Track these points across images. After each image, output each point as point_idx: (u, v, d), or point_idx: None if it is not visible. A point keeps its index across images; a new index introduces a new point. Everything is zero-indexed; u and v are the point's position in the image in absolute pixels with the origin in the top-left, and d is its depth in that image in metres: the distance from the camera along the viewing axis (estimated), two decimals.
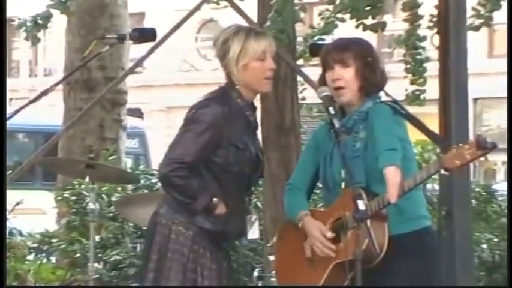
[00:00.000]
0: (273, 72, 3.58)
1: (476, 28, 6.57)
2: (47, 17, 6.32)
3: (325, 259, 3.46)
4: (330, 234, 3.44)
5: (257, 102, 3.73)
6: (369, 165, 3.43)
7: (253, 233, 3.57)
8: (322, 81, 3.58)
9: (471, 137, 5.47)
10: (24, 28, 6.40)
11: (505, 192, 8.55)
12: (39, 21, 6.24)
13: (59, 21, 7.71)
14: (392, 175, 3.31)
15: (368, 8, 6.02)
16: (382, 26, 6.27)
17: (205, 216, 3.51)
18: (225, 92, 3.58)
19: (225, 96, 3.56)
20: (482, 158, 3.30)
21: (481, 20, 6.59)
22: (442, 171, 3.29)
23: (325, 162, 3.55)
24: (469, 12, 6.10)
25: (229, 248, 3.69)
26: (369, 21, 6.23)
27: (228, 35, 3.57)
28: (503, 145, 3.69)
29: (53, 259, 7.52)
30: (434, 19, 6.00)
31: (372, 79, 3.53)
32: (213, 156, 3.51)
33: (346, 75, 3.51)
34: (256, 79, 3.55)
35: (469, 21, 5.94)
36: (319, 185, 3.73)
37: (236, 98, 3.56)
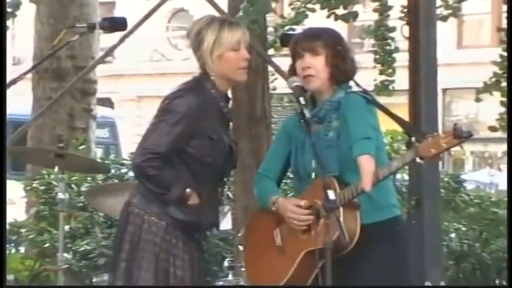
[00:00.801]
0: (248, 62, 3.58)
1: (444, 18, 6.61)
2: (16, 5, 6.27)
3: (295, 247, 3.47)
4: (304, 203, 3.43)
5: (228, 92, 3.73)
6: (342, 155, 3.45)
7: (226, 223, 3.58)
8: (293, 71, 3.59)
9: (439, 126, 5.51)
10: None
11: (473, 183, 8.62)
12: (9, 9, 6.18)
13: (28, 10, 7.65)
14: (367, 164, 3.33)
15: None
16: (354, 16, 6.30)
17: (178, 206, 3.51)
18: (199, 82, 3.58)
19: (199, 87, 3.56)
20: (456, 148, 3.32)
21: (449, 11, 6.64)
22: (418, 160, 3.31)
23: (297, 151, 3.56)
24: (438, 3, 6.13)
25: (202, 238, 3.69)
26: (340, 11, 6.25)
27: (201, 25, 3.57)
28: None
29: (22, 249, 7.48)
30: (405, 10, 6.03)
31: (342, 67, 3.54)
32: (186, 147, 3.51)
33: (316, 64, 3.53)
34: (231, 69, 3.56)
35: (437, 11, 5.97)
36: (289, 175, 3.75)
37: (210, 88, 3.56)
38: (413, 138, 3.38)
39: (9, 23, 6.45)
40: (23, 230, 7.05)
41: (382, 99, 5.69)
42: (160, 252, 3.50)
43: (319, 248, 3.36)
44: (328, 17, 6.23)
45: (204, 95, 3.55)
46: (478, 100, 6.78)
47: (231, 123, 3.70)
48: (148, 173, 3.50)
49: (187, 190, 3.51)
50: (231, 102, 3.71)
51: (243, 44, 3.56)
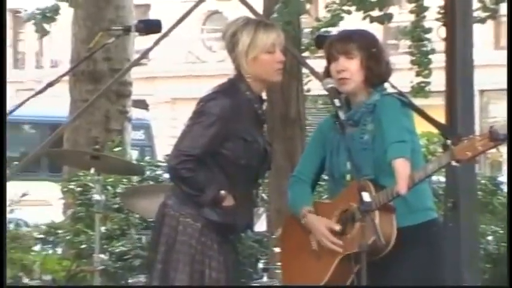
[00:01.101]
0: (283, 64, 3.57)
1: (483, 21, 6.55)
2: (55, 10, 6.34)
3: (331, 252, 3.46)
4: (338, 227, 3.43)
5: (263, 93, 3.73)
6: (377, 158, 3.43)
7: (261, 225, 3.58)
8: (327, 73, 3.58)
9: (476, 128, 5.46)
10: (33, 21, 6.41)
11: None
12: (48, 14, 6.25)
13: (66, 13, 7.72)
14: (402, 167, 3.30)
15: (375, 0, 6.02)
16: (389, 17, 6.27)
17: (213, 208, 3.51)
18: (234, 84, 3.58)
19: (234, 89, 3.56)
20: (492, 150, 3.29)
21: (487, 13, 6.57)
22: (453, 163, 3.28)
23: (332, 154, 3.55)
24: (475, 5, 6.09)
25: (236, 240, 3.69)
26: (375, 13, 6.22)
27: (237, 27, 3.56)
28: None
29: (59, 250, 7.54)
30: (442, 11, 5.99)
31: (376, 70, 3.52)
32: (220, 148, 3.52)
33: (350, 67, 3.51)
34: (265, 71, 3.56)
35: (474, 14, 5.92)
36: (324, 177, 3.73)
37: (245, 90, 3.56)
38: (448, 141, 3.34)
39: (47, 26, 6.53)
40: (60, 231, 7.10)
41: (418, 101, 5.65)
42: (196, 254, 3.50)
43: (354, 252, 3.34)
44: (364, 19, 6.21)
45: (239, 96, 3.55)
46: None
47: (265, 125, 3.69)
48: (182, 175, 3.51)
49: (222, 192, 3.51)
50: (265, 104, 3.71)
51: (278, 46, 3.56)
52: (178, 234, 3.52)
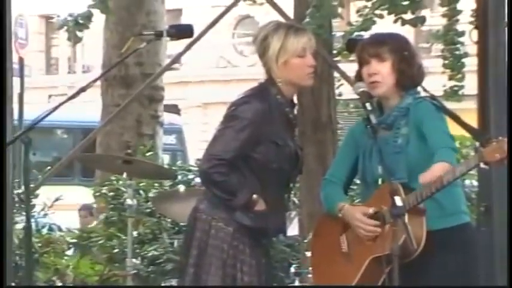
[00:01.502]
0: (314, 68, 3.57)
1: None
2: (87, 17, 6.38)
3: (361, 253, 3.45)
4: (372, 210, 3.41)
5: (294, 97, 3.72)
6: (411, 162, 3.42)
7: (293, 229, 3.58)
8: (359, 76, 3.57)
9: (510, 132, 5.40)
10: (65, 28, 6.45)
11: None
12: (80, 21, 6.30)
13: (97, 18, 7.77)
14: (438, 166, 3.28)
15: (407, 3, 5.99)
16: (422, 20, 6.23)
17: (245, 212, 3.52)
18: (265, 88, 3.58)
19: (265, 93, 3.57)
20: None
21: None
22: (482, 165, 3.26)
23: (364, 157, 3.54)
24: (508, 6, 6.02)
25: (269, 244, 3.69)
26: (407, 16, 6.19)
27: (267, 31, 3.57)
28: None
29: (90, 254, 7.58)
30: (475, 14, 5.94)
31: (408, 73, 3.51)
32: (252, 152, 3.52)
33: (382, 70, 3.50)
34: (296, 75, 3.56)
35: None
36: (356, 181, 3.72)
37: (276, 94, 3.56)
38: (477, 144, 3.33)
39: (79, 32, 6.56)
40: (92, 236, 7.15)
41: (451, 105, 5.61)
42: (228, 258, 3.51)
43: (385, 254, 3.33)
44: (396, 21, 6.18)
45: (270, 100, 3.55)
46: None
47: (296, 129, 3.69)
48: (215, 179, 3.51)
49: (254, 196, 3.51)
50: (296, 107, 3.70)
51: (308, 51, 3.56)
52: (210, 238, 3.53)
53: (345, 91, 6.95)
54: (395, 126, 3.50)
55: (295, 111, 3.66)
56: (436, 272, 3.42)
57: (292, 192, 3.71)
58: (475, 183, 5.83)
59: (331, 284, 3.54)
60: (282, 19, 5.66)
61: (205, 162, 3.54)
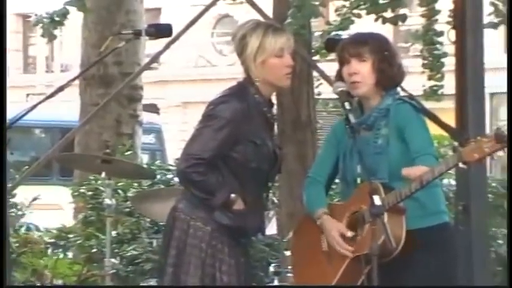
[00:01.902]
0: (292, 68, 3.57)
1: (495, 26, 6.52)
2: (63, 14, 6.33)
3: (341, 253, 3.46)
4: (350, 234, 3.44)
5: (273, 97, 3.73)
6: (391, 162, 3.44)
7: (271, 228, 3.58)
8: (339, 76, 3.58)
9: (487, 131, 5.45)
10: (41, 25, 6.41)
11: None
12: (56, 18, 6.26)
13: (76, 17, 7.74)
14: (420, 167, 3.30)
15: (386, 1, 6.01)
16: (403, 18, 6.24)
17: (223, 211, 3.52)
18: (243, 87, 3.58)
19: (243, 92, 3.56)
20: (501, 153, 3.28)
21: (500, 18, 6.53)
22: (460, 165, 3.28)
23: (345, 157, 3.55)
24: (487, 8, 6.06)
25: (248, 244, 3.68)
26: (387, 14, 6.21)
27: (246, 30, 3.57)
28: None
29: (70, 254, 7.55)
30: (453, 14, 5.97)
31: (388, 73, 3.52)
32: (231, 152, 3.52)
33: (362, 69, 3.51)
34: (274, 75, 3.56)
35: (487, 19, 5.90)
36: (336, 180, 3.73)
37: (254, 93, 3.56)
38: (456, 144, 3.35)
39: (56, 31, 6.52)
40: (70, 236, 7.11)
41: (431, 104, 5.63)
42: (207, 257, 3.51)
43: (365, 254, 3.34)
44: (376, 20, 6.19)
45: (248, 100, 3.55)
46: None
47: (275, 128, 3.69)
48: (193, 178, 3.51)
49: (232, 195, 3.51)
50: (275, 107, 3.70)
51: (286, 51, 3.55)
52: (189, 237, 3.52)
53: (324, 90, 6.96)
54: (375, 127, 3.51)
55: (274, 111, 3.66)
56: (416, 271, 3.43)
57: (271, 191, 3.70)
58: (453, 182, 5.86)
59: (311, 284, 3.54)
60: (261, 18, 5.66)
61: (183, 161, 3.53)
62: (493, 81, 9.26)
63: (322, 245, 3.53)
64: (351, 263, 3.43)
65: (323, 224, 3.51)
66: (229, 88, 3.61)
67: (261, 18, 5.66)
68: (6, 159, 4.01)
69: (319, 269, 3.52)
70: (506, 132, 3.23)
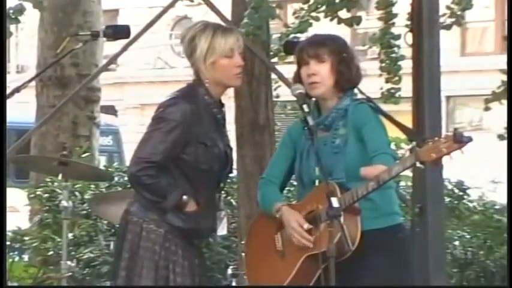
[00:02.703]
0: (242, 68, 3.57)
1: (448, 27, 6.60)
2: (19, 11, 6.26)
3: (296, 251, 3.47)
4: (306, 226, 3.45)
5: (231, 99, 3.73)
6: (348, 162, 3.46)
7: (222, 229, 3.58)
8: (297, 78, 3.59)
9: (443, 134, 5.50)
10: None
11: (477, 190, 8.60)
12: (12, 15, 6.18)
13: (32, 18, 7.66)
14: (378, 167, 3.33)
15: (343, 1, 6.04)
16: (357, 20, 6.29)
17: (176, 213, 3.51)
18: (193, 89, 3.58)
19: (193, 94, 3.56)
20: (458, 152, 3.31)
21: (453, 19, 6.62)
22: (418, 164, 3.31)
23: (301, 158, 3.56)
24: (442, 11, 6.13)
25: (202, 244, 3.69)
26: (343, 14, 6.24)
27: (195, 32, 3.56)
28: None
29: (26, 257, 7.48)
30: (410, 17, 6.02)
31: (347, 74, 3.54)
32: (182, 154, 3.51)
33: (321, 70, 3.53)
34: (224, 76, 3.56)
35: (441, 20, 5.97)
36: (293, 182, 3.75)
37: (204, 95, 3.56)
38: (413, 143, 3.38)
39: (13, 31, 6.45)
40: (26, 238, 7.05)
41: (388, 107, 5.67)
42: (160, 259, 3.50)
43: (320, 252, 3.35)
44: (332, 19, 6.22)
45: (198, 101, 3.55)
46: (487, 109, 6.75)
47: (226, 130, 3.67)
48: (144, 181, 3.50)
49: (184, 197, 3.50)
50: (231, 108, 3.70)
51: (236, 51, 3.55)
52: (142, 240, 3.51)
53: (283, 93, 6.98)
54: (333, 127, 3.53)
55: (224, 112, 3.65)
56: (368, 271, 3.45)
57: (229, 193, 3.70)
58: (410, 184, 5.91)
59: (267, 284, 3.54)
60: (219, 20, 5.66)
61: (133, 165, 3.52)
62: (449, 85, 9.37)
63: (276, 245, 3.54)
64: (305, 262, 3.44)
65: (283, 215, 3.51)
66: (178, 90, 3.60)
67: (219, 20, 5.66)
68: (6, 159, 3.96)
69: (272, 267, 3.53)
70: (464, 133, 3.26)
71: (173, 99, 3.56)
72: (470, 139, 3.26)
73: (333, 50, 3.53)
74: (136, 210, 3.55)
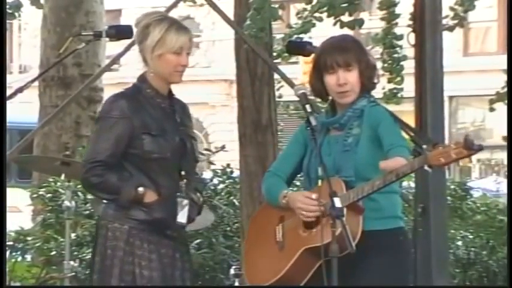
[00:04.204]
0: (184, 68, 3.60)
1: (451, 29, 6.60)
2: (16, 6, 6.27)
3: (295, 243, 3.47)
4: (314, 196, 3.43)
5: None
6: (358, 161, 3.46)
7: (182, 217, 3.56)
8: (319, 82, 3.54)
9: (446, 134, 5.50)
10: None
11: (480, 190, 8.59)
12: (9, 11, 6.19)
13: (35, 18, 7.68)
14: (398, 159, 3.32)
15: (345, 5, 6.04)
16: (360, 23, 6.28)
17: (137, 207, 3.51)
18: (135, 86, 3.64)
19: (134, 90, 3.62)
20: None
21: (455, 21, 6.62)
22: (426, 168, 3.31)
23: (312, 155, 3.56)
24: (445, 12, 6.13)
25: (178, 235, 3.61)
26: (345, 18, 6.24)
27: (151, 20, 3.59)
28: (477, 142, 3.73)
29: (28, 257, 7.49)
30: (413, 17, 6.02)
31: (373, 78, 3.56)
32: (129, 149, 3.53)
33: (350, 79, 3.52)
34: (167, 70, 3.58)
35: (443, 22, 5.97)
36: (295, 183, 3.74)
37: (146, 88, 3.60)
38: (424, 146, 3.38)
39: (15, 31, 6.45)
40: (29, 238, 7.05)
41: (390, 107, 5.66)
42: (125, 255, 3.51)
43: (318, 246, 3.35)
44: (335, 24, 6.22)
45: (139, 95, 3.59)
46: (491, 110, 6.75)
47: (181, 119, 3.65)
48: (92, 182, 3.53)
49: (140, 189, 3.50)
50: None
51: (185, 51, 3.58)
52: (108, 240, 3.53)
53: (286, 93, 6.98)
54: (347, 126, 3.53)
55: (174, 101, 3.64)
56: (367, 272, 3.45)
57: (184, 180, 3.62)
58: (412, 184, 5.91)
59: (263, 278, 3.53)
60: (222, 20, 5.67)
61: (82, 168, 3.57)
62: (452, 85, 9.37)
63: (276, 236, 3.53)
64: (303, 254, 3.44)
65: (289, 199, 3.49)
66: (122, 90, 3.67)
67: (222, 20, 5.67)
68: (6, 159, 3.98)
69: (270, 257, 3.52)
70: (475, 140, 3.26)
71: (111, 97, 3.63)
72: (481, 147, 3.26)
73: (358, 55, 3.52)
74: (103, 213, 3.59)
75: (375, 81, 3.58)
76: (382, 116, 3.51)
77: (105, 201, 3.62)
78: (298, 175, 3.67)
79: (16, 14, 6.26)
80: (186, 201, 3.56)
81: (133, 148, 3.52)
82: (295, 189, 3.76)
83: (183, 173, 3.59)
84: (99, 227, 3.60)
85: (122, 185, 3.50)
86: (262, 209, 3.68)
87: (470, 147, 3.23)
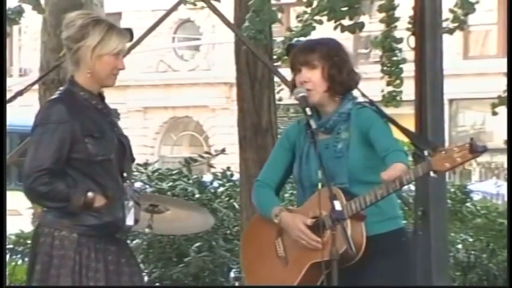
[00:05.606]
0: (119, 72, 3.61)
1: (451, 31, 6.60)
2: (18, 12, 6.27)
3: (300, 258, 3.44)
4: (309, 222, 3.41)
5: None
6: (351, 167, 3.43)
7: (130, 219, 3.53)
8: (294, 85, 3.58)
9: (446, 137, 5.50)
10: None
11: (480, 193, 8.59)
12: (11, 16, 6.19)
13: (35, 21, 7.68)
14: (400, 165, 3.28)
15: (345, 9, 6.05)
16: (360, 26, 6.29)
17: (87, 213, 3.47)
18: (68, 89, 3.62)
19: (68, 94, 3.59)
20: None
21: (455, 24, 6.63)
22: (432, 174, 3.27)
23: (301, 161, 3.53)
24: (444, 15, 6.13)
25: (125, 238, 3.58)
26: (346, 22, 6.25)
27: (89, 20, 3.59)
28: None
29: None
30: (412, 20, 6.03)
31: (338, 79, 3.50)
32: (72, 154, 3.48)
33: (312, 77, 3.49)
34: (104, 72, 3.57)
35: (443, 25, 5.97)
36: (287, 187, 3.71)
37: (79, 91, 3.58)
38: (425, 152, 3.33)
39: (15, 34, 6.45)
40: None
41: (389, 110, 5.68)
42: (75, 265, 3.45)
43: (325, 261, 3.34)
44: (335, 28, 6.23)
45: (73, 99, 3.56)
46: (494, 114, 6.75)
47: (115, 120, 3.65)
48: (41, 191, 3.45)
49: (89, 194, 3.46)
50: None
51: (121, 54, 3.59)
52: (55, 249, 3.46)
53: (285, 96, 6.98)
54: (335, 130, 3.50)
55: (105, 102, 3.64)
56: (373, 276, 3.44)
57: (128, 181, 3.60)
58: (412, 187, 5.91)
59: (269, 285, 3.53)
60: (222, 23, 5.67)
61: (26, 178, 3.48)
62: (452, 88, 9.37)
63: (277, 250, 3.50)
64: (310, 269, 3.42)
65: (283, 220, 3.47)
66: (55, 94, 3.63)
67: (222, 23, 5.67)
68: (7, 162, 3.97)
69: (275, 274, 3.49)
70: (480, 143, 3.24)
71: (47, 103, 3.58)
72: (485, 148, 3.23)
73: (324, 54, 3.49)
74: (47, 221, 3.50)
75: (346, 83, 3.50)
76: (371, 119, 3.46)
77: (46, 208, 3.54)
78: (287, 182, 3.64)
79: (18, 19, 6.26)
80: (131, 203, 3.52)
81: (76, 152, 3.46)
82: (292, 198, 3.74)
83: (125, 174, 3.56)
84: (40, 235, 3.50)
85: (70, 192, 3.43)
86: (255, 221, 3.63)
87: (475, 150, 3.19)
